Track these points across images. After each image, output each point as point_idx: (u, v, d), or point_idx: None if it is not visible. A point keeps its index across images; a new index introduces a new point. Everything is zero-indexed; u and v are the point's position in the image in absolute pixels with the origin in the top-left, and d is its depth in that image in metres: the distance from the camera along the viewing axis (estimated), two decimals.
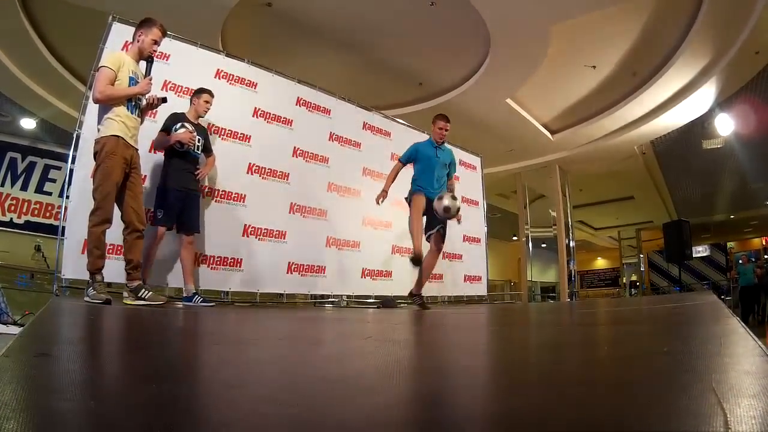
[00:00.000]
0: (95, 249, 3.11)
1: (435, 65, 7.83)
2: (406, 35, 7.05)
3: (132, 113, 3.32)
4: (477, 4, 5.94)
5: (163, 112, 4.06)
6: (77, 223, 3.82)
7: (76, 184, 3.90)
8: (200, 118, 4.27)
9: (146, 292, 3.26)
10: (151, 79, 3.36)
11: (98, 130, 3.24)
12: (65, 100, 8.39)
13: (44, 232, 9.57)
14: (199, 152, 4.20)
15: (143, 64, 3.46)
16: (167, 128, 3.99)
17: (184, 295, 4.04)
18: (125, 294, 3.33)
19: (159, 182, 4.04)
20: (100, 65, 3.25)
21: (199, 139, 4.15)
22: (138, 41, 3.40)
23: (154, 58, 3.50)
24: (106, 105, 3.21)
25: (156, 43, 3.43)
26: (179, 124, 4.00)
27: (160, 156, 4.18)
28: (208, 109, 4.27)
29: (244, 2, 6.01)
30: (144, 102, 3.47)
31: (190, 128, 4.03)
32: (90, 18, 5.72)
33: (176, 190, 3.97)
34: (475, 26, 6.47)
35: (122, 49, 4.05)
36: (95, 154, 3.19)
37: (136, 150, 3.38)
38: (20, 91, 8.06)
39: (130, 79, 3.30)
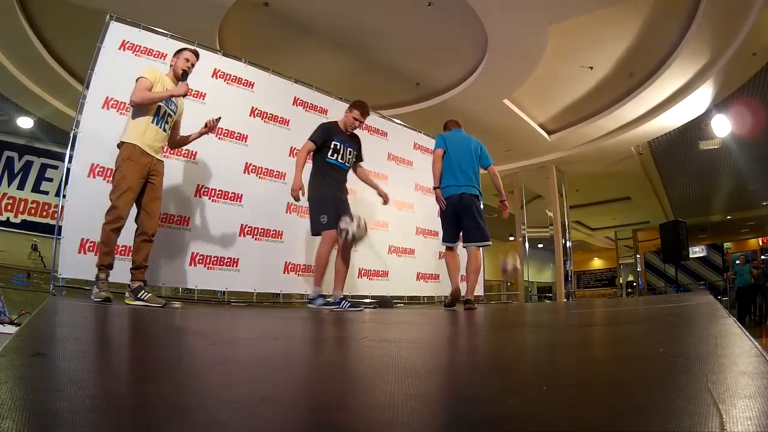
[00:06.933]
0: (103, 245, 3.26)
1: (432, 65, 7.83)
2: (403, 35, 7.06)
3: (158, 125, 3.50)
4: (474, 5, 5.95)
5: None
6: (74, 223, 3.84)
7: (72, 183, 3.91)
8: (350, 130, 4.49)
9: (145, 293, 3.36)
10: (188, 85, 3.57)
11: (122, 134, 3.44)
12: (62, 99, 8.36)
13: (41, 232, 9.54)
14: (348, 165, 4.42)
15: None
16: (315, 139, 4.23)
17: (331, 300, 4.20)
18: (126, 294, 3.43)
19: (312, 192, 4.17)
20: (138, 76, 3.43)
21: (350, 151, 4.40)
22: (172, 64, 3.69)
23: (188, 74, 3.69)
24: (137, 109, 3.41)
25: (188, 60, 3.66)
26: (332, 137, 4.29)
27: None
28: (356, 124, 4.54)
29: (242, 2, 6.00)
30: (174, 115, 3.68)
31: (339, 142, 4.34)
32: (88, 17, 5.72)
33: (332, 197, 4.16)
34: (473, 27, 6.48)
35: (119, 49, 4.29)
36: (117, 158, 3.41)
37: (159, 160, 3.54)
38: (17, 89, 8.03)
39: None
